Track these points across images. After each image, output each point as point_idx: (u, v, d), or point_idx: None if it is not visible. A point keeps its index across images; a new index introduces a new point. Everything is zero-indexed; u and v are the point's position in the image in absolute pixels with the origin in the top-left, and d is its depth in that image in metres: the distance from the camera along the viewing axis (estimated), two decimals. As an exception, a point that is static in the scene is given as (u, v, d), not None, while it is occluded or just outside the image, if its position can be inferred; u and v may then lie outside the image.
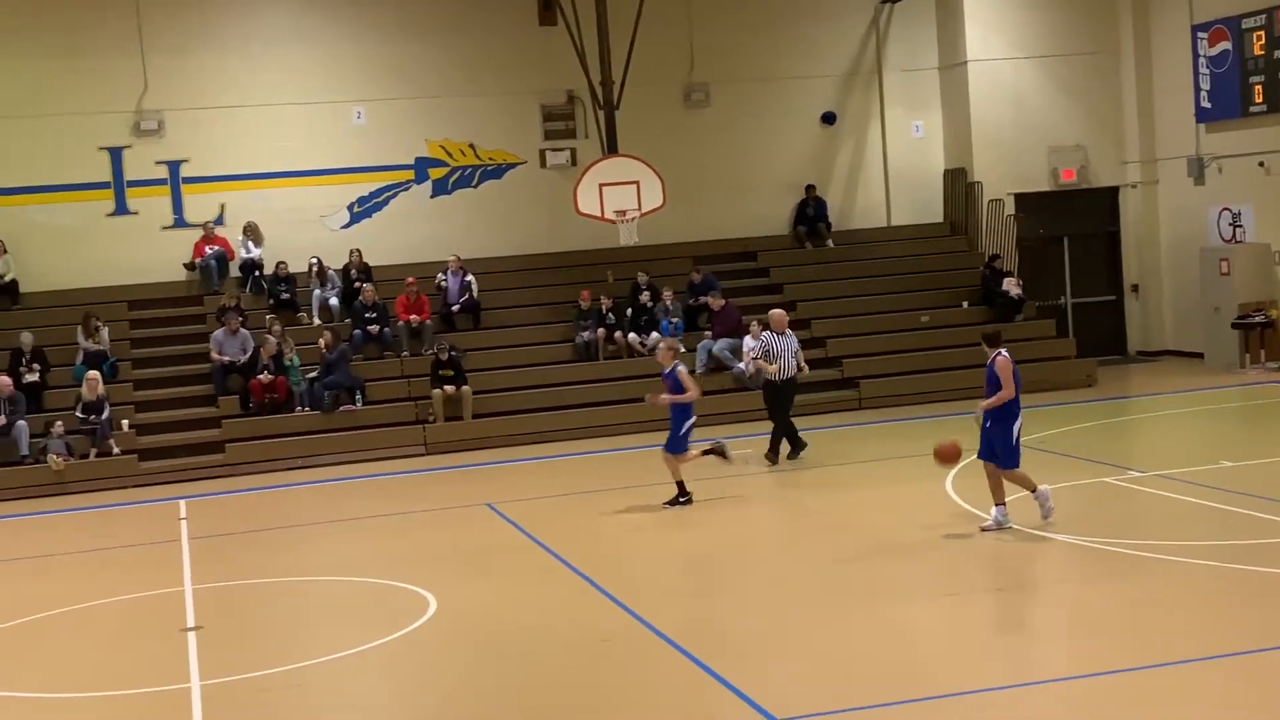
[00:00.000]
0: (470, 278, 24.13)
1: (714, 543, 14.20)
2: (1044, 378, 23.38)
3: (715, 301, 23.61)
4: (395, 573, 13.32)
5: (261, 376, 21.75)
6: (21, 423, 20.46)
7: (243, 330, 22.38)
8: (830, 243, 26.54)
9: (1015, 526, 13.04)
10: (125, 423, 21.25)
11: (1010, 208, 26.45)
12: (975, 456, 13.39)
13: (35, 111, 23.69)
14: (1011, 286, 25.00)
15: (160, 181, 24.37)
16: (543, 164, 25.78)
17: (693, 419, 15.71)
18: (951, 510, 14.11)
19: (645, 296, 23.87)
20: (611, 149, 23.33)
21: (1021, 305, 24.92)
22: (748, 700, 8.96)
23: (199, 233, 24.25)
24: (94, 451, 20.63)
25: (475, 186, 25.64)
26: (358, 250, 24.28)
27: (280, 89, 24.73)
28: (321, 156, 24.93)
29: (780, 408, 18.32)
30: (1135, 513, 14.20)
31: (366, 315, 23.20)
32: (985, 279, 25.36)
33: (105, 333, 22.44)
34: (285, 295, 23.79)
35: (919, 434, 18.69)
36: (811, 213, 26.53)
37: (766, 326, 18.79)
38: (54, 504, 19.47)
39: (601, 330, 23.52)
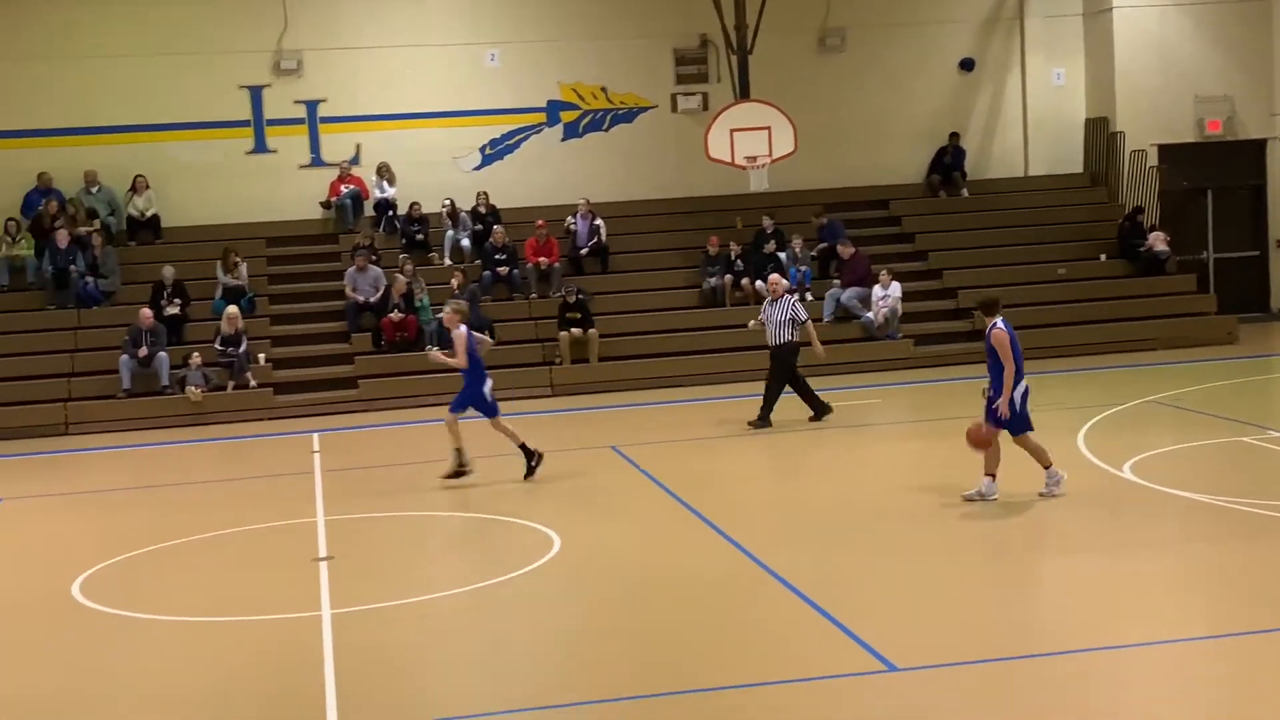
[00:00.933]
0: (599, 221, 24.21)
1: (835, 491, 14.13)
2: (1183, 334, 22.93)
3: (845, 249, 23.39)
4: (521, 511, 13.48)
5: (392, 315, 22.09)
6: (162, 354, 21.05)
7: (374, 268, 22.73)
8: (965, 192, 26.11)
9: (998, 498, 12.58)
10: (262, 356, 21.76)
11: (1153, 159, 25.75)
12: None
13: (179, 49, 24.19)
14: (1157, 242, 24.38)
15: (298, 121, 24.78)
16: (674, 108, 25.71)
17: (489, 382, 14.81)
18: (1081, 464, 13.87)
19: (771, 245, 23.73)
20: (744, 94, 23.17)
21: (1165, 261, 24.30)
22: (867, 647, 8.93)
23: (335, 172, 24.64)
24: (231, 384, 21.18)
25: (606, 130, 25.66)
26: (484, 192, 24.45)
27: (416, 30, 24.95)
28: (455, 98, 25.13)
29: (772, 374, 17.53)
30: (1272, 473, 13.82)
31: (496, 257, 23.41)
32: (1124, 232, 24.76)
33: (244, 268, 22.95)
34: (418, 235, 24.10)
35: (1051, 387, 18.39)
36: (949, 161, 26.11)
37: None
38: (192, 434, 20.03)
39: (729, 276, 23.45)
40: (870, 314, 22.59)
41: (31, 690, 9.20)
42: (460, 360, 14.68)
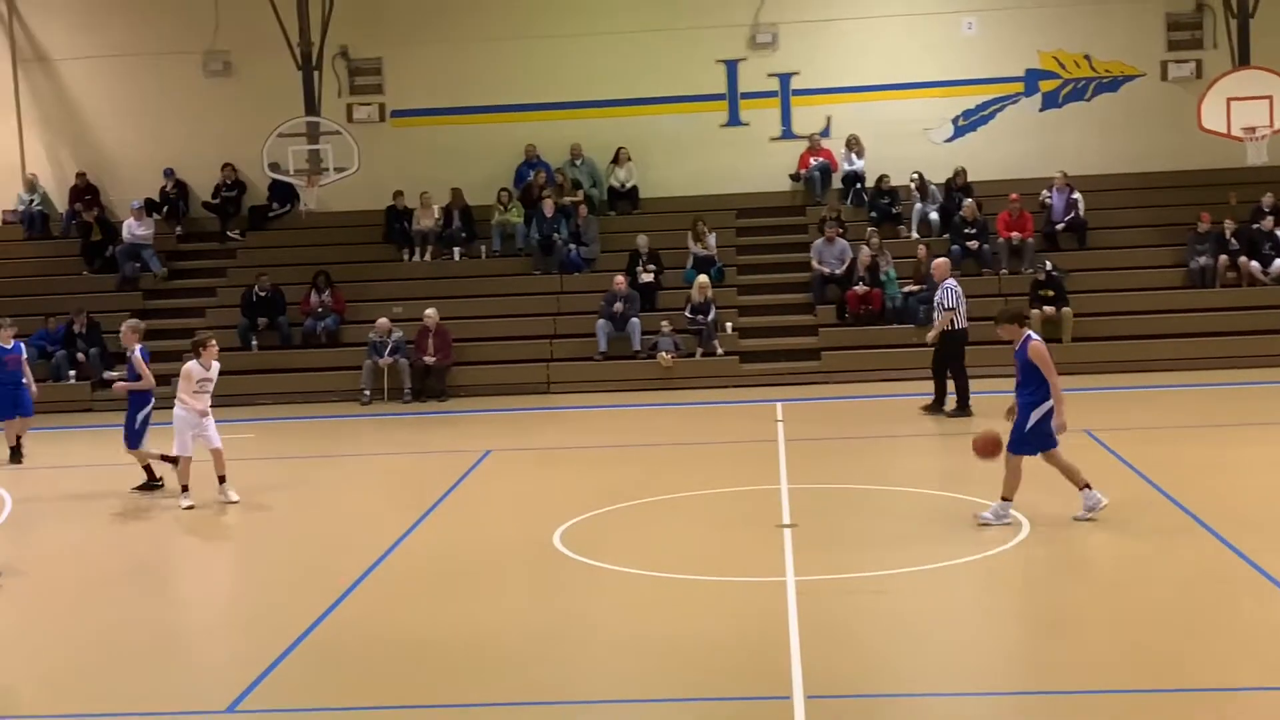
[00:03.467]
0: (1077, 195, 23.22)
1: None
2: None
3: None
4: (986, 493, 13.06)
5: (857, 288, 22.01)
6: (635, 319, 21.85)
7: (841, 241, 22.72)
8: None
9: (1011, 520, 11.66)
10: (729, 325, 22.19)
11: None
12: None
13: (660, 26, 24.95)
14: None
15: (771, 94, 25.06)
16: (1164, 76, 24.27)
17: (147, 408, 14.26)
18: None
19: (1268, 221, 22.00)
20: (1243, 60, 21.61)
21: None
22: (1382, 665, 8.09)
23: (804, 144, 24.78)
24: (699, 351, 21.73)
25: (1088, 100, 24.55)
26: (963, 169, 23.89)
27: (889, 0, 24.66)
28: (928, 69, 24.71)
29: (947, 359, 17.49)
30: None
31: (966, 231, 22.88)
32: None
33: (713, 238, 23.48)
34: (892, 209, 23.89)
35: None
36: None
37: None
38: (662, 397, 20.69)
39: (1223, 256, 21.90)
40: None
41: (513, 625, 9.74)
42: (148, 380, 14.39)
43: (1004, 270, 22.64)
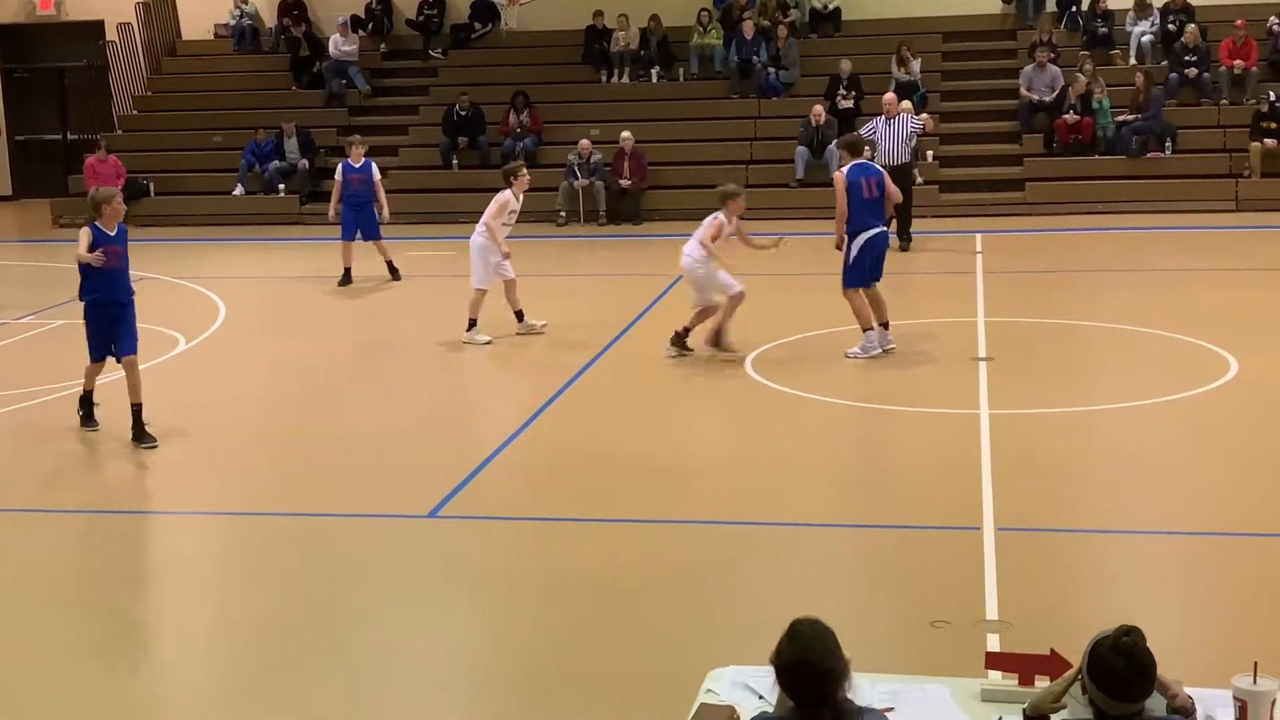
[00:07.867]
0: (1310, 21, 21.83)
1: None
2: None
3: None
4: (1192, 329, 12.71)
5: (1067, 116, 21.22)
6: (832, 147, 21.44)
7: (1052, 67, 21.84)
8: None
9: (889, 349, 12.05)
10: (930, 154, 21.63)
11: None
12: None
13: None
14: None
15: (987, -95, 23.97)
16: None
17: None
18: None
19: None
20: None
21: None
22: None
23: (1021, -37, 23.73)
24: (895, 179, 21.28)
25: (1329, -84, 22.86)
26: (1180, -14, 22.66)
27: None
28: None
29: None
30: None
31: (1186, 58, 21.77)
32: None
33: (916, 64, 22.77)
34: (1101, 32, 22.84)
35: None
36: None
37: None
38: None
39: None
40: None
41: (704, 447, 9.91)
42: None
43: (1224, 100, 21.56)
